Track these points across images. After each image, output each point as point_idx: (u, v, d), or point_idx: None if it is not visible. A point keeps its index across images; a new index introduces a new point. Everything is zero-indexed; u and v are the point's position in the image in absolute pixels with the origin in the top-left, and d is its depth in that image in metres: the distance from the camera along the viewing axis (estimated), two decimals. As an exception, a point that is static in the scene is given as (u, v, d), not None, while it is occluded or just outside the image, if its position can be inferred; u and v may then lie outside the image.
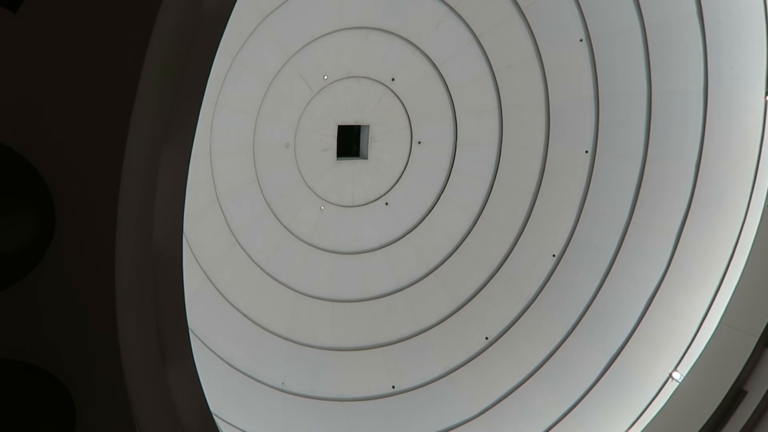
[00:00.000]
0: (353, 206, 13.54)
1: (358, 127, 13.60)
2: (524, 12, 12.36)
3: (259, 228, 12.73)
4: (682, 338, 10.58)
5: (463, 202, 13.72)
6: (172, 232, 4.53)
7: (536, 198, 13.27)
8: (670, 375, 10.45)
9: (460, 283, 13.48)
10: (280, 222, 13.00)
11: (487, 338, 12.87)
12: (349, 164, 13.39)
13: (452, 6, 12.51)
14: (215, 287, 11.85)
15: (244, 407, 11.26)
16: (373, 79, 13.06)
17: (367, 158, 13.43)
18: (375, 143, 13.39)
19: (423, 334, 13.22)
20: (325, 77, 12.68)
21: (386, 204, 13.66)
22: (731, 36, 10.24)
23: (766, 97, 9.93)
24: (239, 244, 12.44)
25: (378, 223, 13.66)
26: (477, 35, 12.85)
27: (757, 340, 7.98)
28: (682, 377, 9.86)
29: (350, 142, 13.70)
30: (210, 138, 11.79)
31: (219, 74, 11.38)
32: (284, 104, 12.57)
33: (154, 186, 3.96)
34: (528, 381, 12.14)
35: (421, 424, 12.08)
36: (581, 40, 12.13)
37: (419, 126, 13.50)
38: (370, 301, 13.35)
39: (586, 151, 12.65)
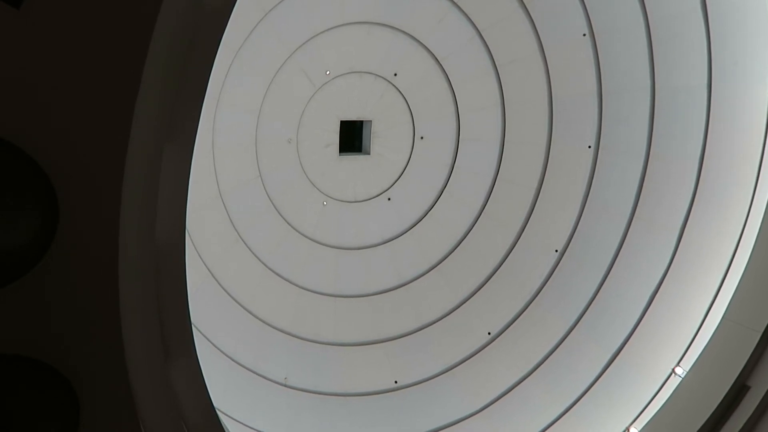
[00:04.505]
0: (356, 202, 13.53)
1: (361, 122, 13.58)
2: (527, 7, 12.31)
3: (261, 224, 12.74)
4: (684, 334, 10.58)
5: (465, 197, 13.71)
6: (175, 228, 4.54)
7: (539, 194, 13.26)
8: (673, 370, 10.45)
9: (462, 278, 13.49)
10: (283, 218, 13.01)
11: (489, 334, 12.87)
12: (352, 160, 13.38)
13: (455, 1, 12.47)
14: (218, 283, 11.87)
15: (247, 402, 11.31)
16: (376, 75, 13.03)
17: (369, 154, 13.41)
18: (377, 139, 13.37)
19: (425, 329, 13.24)
20: (328, 73, 12.66)
21: (389, 200, 13.65)
22: (735, 31, 10.19)
23: (770, 92, 9.88)
24: (242, 240, 12.46)
25: (380, 218, 13.66)
26: (480, 30, 12.81)
27: (760, 335, 7.97)
28: (685, 373, 9.86)
29: (353, 137, 13.68)
30: (212, 134, 11.79)
31: (221, 70, 11.38)
32: (286, 100, 12.56)
33: (156, 182, 3.97)
34: (530, 376, 12.16)
35: (424, 419, 12.11)
36: (584, 35, 12.08)
37: (422, 121, 13.47)
38: (372, 297, 13.36)
39: (589, 147, 12.62)
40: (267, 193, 12.81)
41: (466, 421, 11.98)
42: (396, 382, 12.53)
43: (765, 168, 10.04)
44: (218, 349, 11.30)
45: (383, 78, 13.08)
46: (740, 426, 7.67)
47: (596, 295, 12.08)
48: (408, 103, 13.35)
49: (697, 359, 9.25)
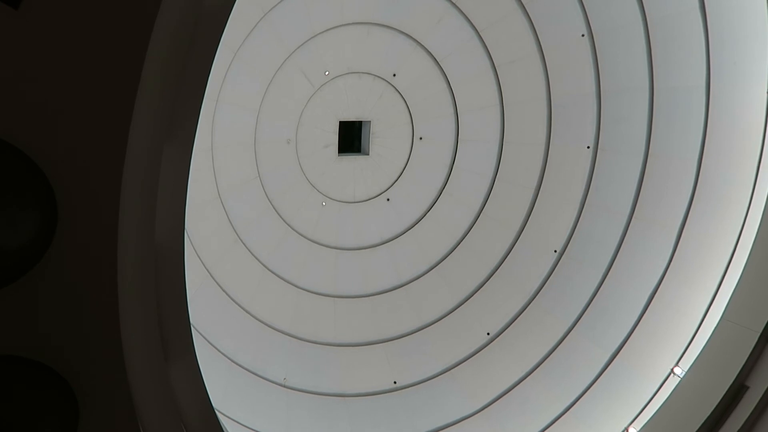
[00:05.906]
0: (355, 202, 13.53)
1: (360, 122, 13.58)
2: (526, 7, 12.32)
3: (260, 224, 12.74)
4: (683, 334, 10.58)
5: (464, 198, 13.71)
6: (174, 228, 4.54)
7: (538, 194, 13.26)
8: (672, 370, 10.45)
9: (461, 278, 13.49)
10: (282, 218, 13.00)
11: (488, 334, 12.87)
12: (351, 160, 13.38)
13: (454, 1, 12.47)
14: (217, 283, 11.86)
15: (247, 403, 11.29)
16: (375, 75, 13.03)
17: (368, 154, 13.41)
18: (376, 139, 13.37)
19: (425, 329, 13.23)
20: (327, 73, 12.66)
21: (388, 200, 13.65)
22: (733, 31, 10.20)
23: (768, 92, 9.90)
24: (241, 241, 12.45)
25: (379, 219, 13.65)
26: (479, 31, 12.82)
27: (758, 335, 7.97)
28: (684, 373, 9.86)
29: (352, 138, 13.68)
30: (211, 134, 11.78)
31: (220, 70, 11.37)
32: (285, 100, 12.55)
33: (155, 182, 3.97)
34: (529, 377, 12.16)
35: (423, 420, 12.10)
36: (583, 36, 12.09)
37: (421, 122, 13.48)
38: (371, 297, 13.36)
39: (588, 147, 12.63)
40: (266, 194, 12.81)
41: (466, 421, 11.98)
42: (395, 382, 12.53)
43: (763, 168, 10.05)
44: (217, 349, 11.29)
45: (382, 78, 13.08)
46: (739, 426, 7.67)
47: (595, 295, 12.08)
48: (407, 104, 13.35)
49: (696, 359, 9.25)
